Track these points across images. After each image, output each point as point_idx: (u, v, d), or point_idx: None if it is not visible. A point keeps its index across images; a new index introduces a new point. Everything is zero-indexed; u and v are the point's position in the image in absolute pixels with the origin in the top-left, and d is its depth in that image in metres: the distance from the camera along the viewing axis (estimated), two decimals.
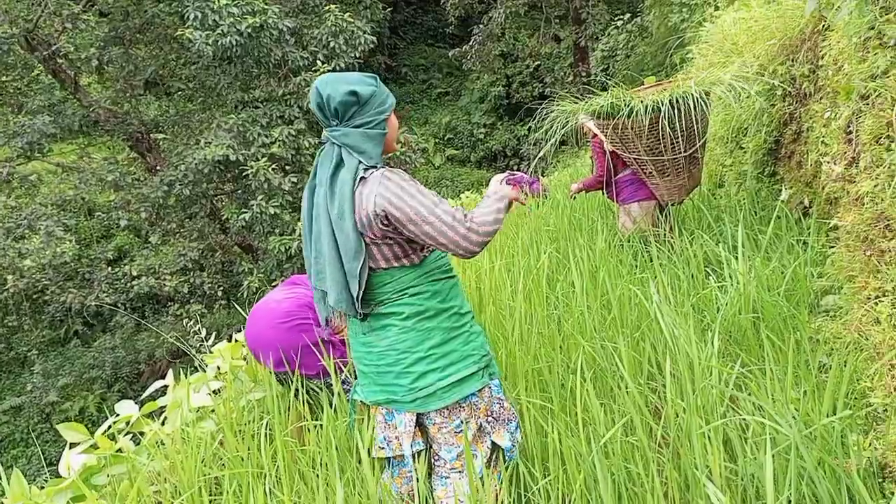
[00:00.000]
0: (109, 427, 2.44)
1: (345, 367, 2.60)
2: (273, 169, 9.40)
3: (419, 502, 1.80)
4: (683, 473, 1.78)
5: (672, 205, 3.98)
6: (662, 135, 3.60)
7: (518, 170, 8.06)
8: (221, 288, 11.34)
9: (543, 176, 10.49)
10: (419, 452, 1.96)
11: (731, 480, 1.75)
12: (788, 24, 3.78)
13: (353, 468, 2.01)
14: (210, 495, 2.19)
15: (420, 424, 1.97)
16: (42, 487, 2.22)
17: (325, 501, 1.82)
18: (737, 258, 2.88)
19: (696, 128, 3.62)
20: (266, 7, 9.41)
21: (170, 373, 2.89)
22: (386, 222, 1.72)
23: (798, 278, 2.77)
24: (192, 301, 11.32)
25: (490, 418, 1.95)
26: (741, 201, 4.10)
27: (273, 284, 9.14)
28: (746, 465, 1.68)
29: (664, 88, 3.59)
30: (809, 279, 2.78)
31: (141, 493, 1.96)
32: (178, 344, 4.03)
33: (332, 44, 10.31)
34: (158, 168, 11.07)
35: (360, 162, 1.76)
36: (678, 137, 3.62)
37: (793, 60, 3.70)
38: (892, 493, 1.53)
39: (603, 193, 4.68)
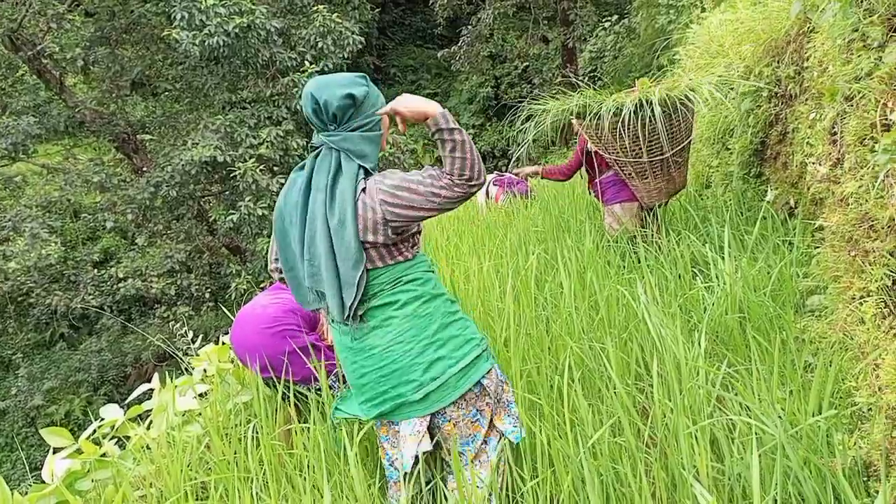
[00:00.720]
0: (94, 431, 2.42)
1: (331, 372, 2.58)
2: (261, 170, 9.35)
3: None
4: (671, 473, 1.78)
5: (658, 206, 4.00)
6: (640, 137, 3.57)
7: (506, 171, 8.05)
8: (209, 290, 11.27)
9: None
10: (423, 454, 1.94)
11: (717, 480, 1.75)
12: (774, 25, 3.81)
13: (341, 471, 1.99)
14: (196, 500, 2.17)
15: (429, 429, 1.92)
16: (26, 493, 2.19)
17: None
18: (723, 259, 2.89)
19: (675, 131, 3.63)
20: (253, 7, 9.36)
21: (155, 376, 2.87)
22: (394, 221, 1.72)
23: (784, 278, 2.79)
24: (179, 303, 11.23)
25: (495, 402, 1.93)
26: (727, 202, 4.13)
27: (261, 286, 9.11)
28: (733, 465, 1.69)
29: (650, 90, 3.60)
30: (795, 279, 2.80)
31: (126, 498, 1.94)
32: (163, 346, 4.00)
33: (320, 44, 10.27)
34: (145, 169, 10.98)
35: (361, 167, 1.75)
36: (656, 140, 3.60)
37: (778, 62, 3.72)
38: (877, 492, 1.54)
39: (589, 193, 4.70)
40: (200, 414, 2.67)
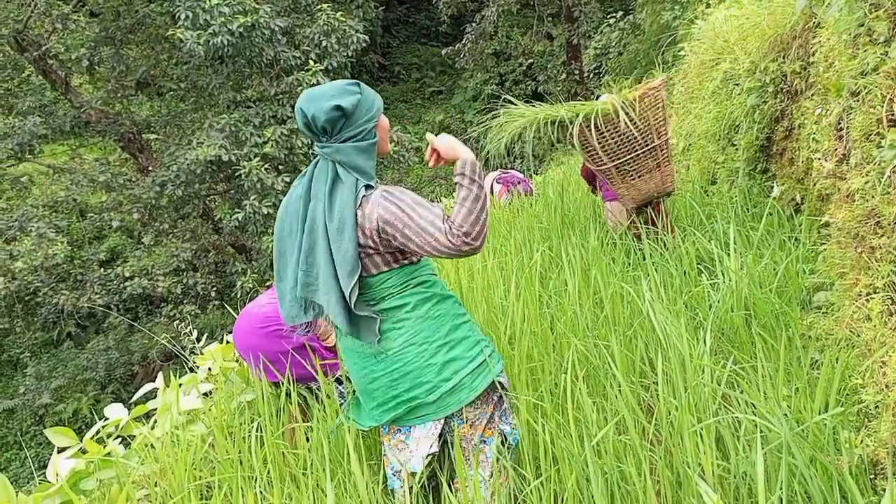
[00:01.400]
0: (98, 431, 2.42)
1: (331, 370, 2.58)
2: (266, 169, 9.36)
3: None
4: (676, 472, 1.77)
5: (650, 206, 3.97)
6: (596, 146, 3.73)
7: (511, 168, 7.99)
8: (215, 288, 11.29)
9: (537, 174, 10.48)
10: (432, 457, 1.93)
11: (723, 478, 1.74)
12: (779, 21, 3.78)
13: (345, 471, 1.99)
14: (200, 499, 2.17)
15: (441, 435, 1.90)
16: (31, 492, 2.20)
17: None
18: (729, 255, 2.88)
19: (628, 139, 3.68)
20: (257, 6, 9.37)
21: (160, 375, 2.87)
22: (385, 236, 1.71)
23: (790, 275, 2.77)
24: (185, 302, 11.26)
25: (501, 403, 1.94)
26: (733, 198, 4.11)
27: (266, 285, 9.12)
28: (739, 464, 1.68)
29: (660, 83, 3.63)
30: (801, 276, 2.78)
31: (130, 497, 1.94)
32: (167, 345, 4.01)
33: (324, 43, 10.26)
34: (150, 169, 11.01)
35: (358, 180, 1.73)
36: (610, 147, 3.72)
37: (784, 57, 3.70)
38: (884, 490, 1.53)
39: (594, 192, 4.69)
40: (205, 413, 2.67)
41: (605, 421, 2.02)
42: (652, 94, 3.58)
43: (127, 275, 11.00)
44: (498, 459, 1.89)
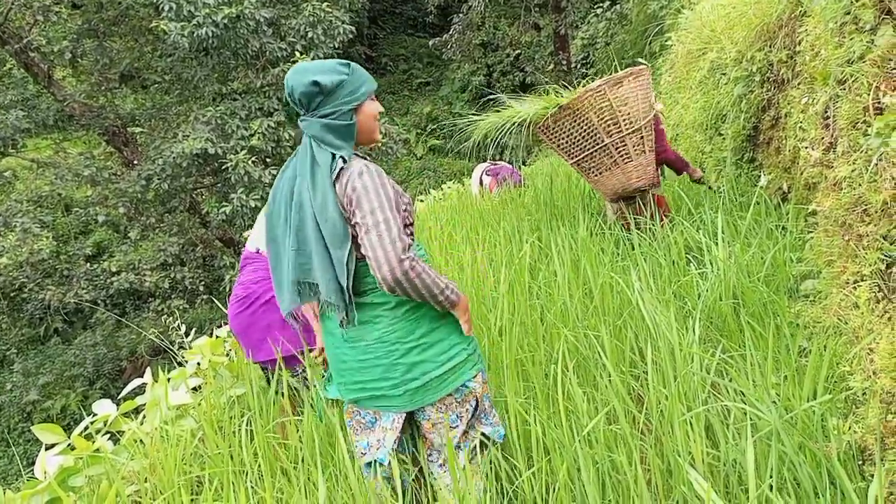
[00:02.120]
0: (87, 427, 2.40)
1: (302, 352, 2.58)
2: (253, 161, 9.30)
3: (403, 501, 1.78)
4: (666, 460, 1.78)
5: (631, 200, 4.01)
6: (556, 143, 3.97)
7: (500, 159, 7.92)
8: (203, 282, 11.23)
9: (524, 165, 10.49)
10: (403, 450, 1.95)
11: (713, 466, 1.75)
12: (766, 10, 3.79)
13: (336, 464, 1.99)
14: (191, 494, 2.16)
15: (410, 422, 1.94)
16: (19, 490, 2.18)
17: (307, 498, 1.80)
18: (717, 244, 2.89)
19: (575, 139, 3.87)
20: None
21: (148, 371, 2.85)
22: (350, 208, 1.69)
23: (777, 264, 2.78)
24: (173, 296, 11.20)
25: (478, 407, 1.92)
26: (720, 187, 4.12)
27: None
28: (729, 451, 1.69)
29: (605, 82, 3.73)
30: (789, 264, 2.79)
31: (119, 493, 1.93)
32: (155, 340, 3.98)
33: (310, 34, 10.18)
34: (136, 162, 10.91)
35: (334, 155, 1.72)
36: (564, 146, 3.94)
37: (770, 46, 3.71)
38: (872, 476, 1.55)
39: None
40: (194, 408, 2.66)
41: (596, 411, 2.02)
42: (589, 96, 3.69)
43: (114, 270, 10.91)
44: (471, 460, 1.89)
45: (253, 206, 9.17)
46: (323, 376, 2.24)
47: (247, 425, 2.28)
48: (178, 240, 11.19)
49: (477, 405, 1.93)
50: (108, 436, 2.45)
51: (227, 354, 3.38)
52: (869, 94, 2.03)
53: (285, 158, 10.35)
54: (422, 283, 1.67)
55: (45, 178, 11.52)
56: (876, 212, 1.89)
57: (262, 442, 2.15)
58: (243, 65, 10.14)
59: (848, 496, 1.41)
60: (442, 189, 11.76)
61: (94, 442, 2.31)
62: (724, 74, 4.42)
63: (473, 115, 4.20)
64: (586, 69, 14.72)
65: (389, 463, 1.85)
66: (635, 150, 3.82)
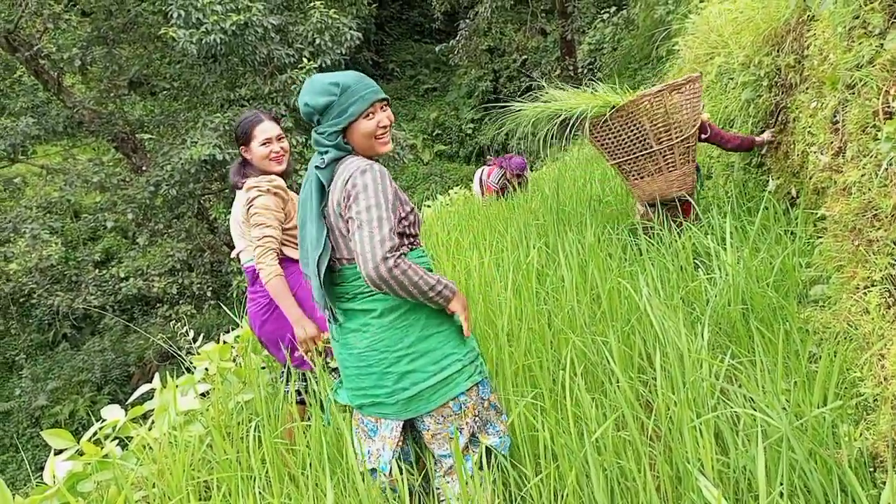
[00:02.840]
0: (95, 433, 2.41)
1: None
2: None
3: None
4: (675, 467, 1.77)
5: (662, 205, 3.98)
6: (602, 143, 3.88)
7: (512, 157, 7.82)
8: (210, 288, 11.27)
9: (531, 170, 10.46)
10: (404, 458, 1.95)
11: (722, 473, 1.74)
12: (773, 14, 3.78)
13: (344, 470, 1.99)
14: (199, 500, 2.16)
15: (412, 429, 1.95)
16: (28, 495, 2.19)
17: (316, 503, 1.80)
18: (725, 250, 2.88)
19: (623, 142, 3.80)
20: (250, 4, 9.32)
21: (157, 376, 2.86)
22: (345, 206, 1.72)
23: (786, 269, 2.77)
24: (181, 302, 11.24)
25: (478, 419, 1.91)
26: (728, 192, 4.11)
27: None
28: (738, 458, 1.68)
29: (666, 87, 3.64)
30: (797, 269, 2.78)
31: (128, 499, 1.93)
32: (163, 345, 3.99)
33: (317, 41, 10.23)
34: (144, 168, 10.96)
35: (322, 158, 1.79)
36: (610, 147, 3.86)
37: (778, 51, 3.70)
38: (884, 483, 1.53)
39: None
40: (202, 413, 2.66)
41: (604, 417, 2.01)
42: (646, 101, 3.62)
43: (122, 275, 10.97)
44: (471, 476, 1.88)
45: None
46: (333, 378, 2.25)
47: (255, 431, 2.28)
48: (186, 245, 11.23)
49: (482, 419, 1.92)
50: (117, 441, 2.45)
51: (235, 360, 3.39)
52: (878, 99, 2.02)
53: (292, 164, 10.39)
54: (408, 279, 1.67)
55: (54, 185, 11.61)
56: (886, 217, 1.88)
57: (270, 447, 2.15)
58: (251, 71, 10.19)
59: (860, 503, 1.40)
60: (448, 194, 11.77)
61: (102, 447, 2.32)
62: (731, 79, 4.41)
63: (518, 101, 4.02)
64: (593, 74, 14.72)
65: (391, 471, 1.84)
66: (681, 159, 3.78)
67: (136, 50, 11.58)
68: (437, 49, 18.38)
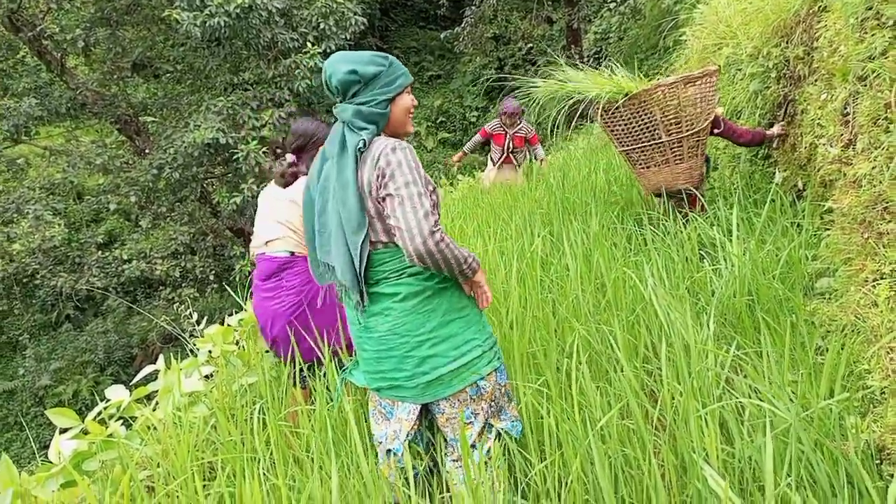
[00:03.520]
0: (100, 412, 2.42)
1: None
2: (263, 152, 9.30)
3: (415, 491, 1.78)
4: (680, 456, 1.77)
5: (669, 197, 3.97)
6: (611, 129, 3.88)
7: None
8: (213, 272, 11.28)
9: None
10: (418, 441, 1.96)
11: (727, 463, 1.74)
12: (782, 5, 3.75)
13: (348, 452, 1.99)
14: (203, 480, 2.17)
15: (427, 412, 1.96)
16: (33, 473, 2.20)
17: (320, 486, 1.80)
18: (731, 241, 2.87)
19: (632, 130, 3.80)
20: None
21: (161, 357, 2.87)
22: (379, 182, 1.71)
23: (792, 261, 2.76)
24: (183, 285, 11.25)
25: (493, 405, 1.92)
26: (734, 184, 4.09)
27: None
28: (744, 448, 1.68)
29: (681, 79, 3.61)
30: (804, 262, 2.77)
31: (133, 478, 1.94)
32: (167, 327, 4.00)
33: (322, 25, 10.16)
34: (147, 151, 10.94)
35: (363, 138, 1.75)
36: (619, 134, 3.85)
37: (787, 42, 3.67)
38: (891, 476, 1.54)
39: None
40: (206, 395, 2.67)
41: (609, 405, 2.02)
42: (660, 91, 3.59)
43: (125, 258, 10.98)
44: (486, 461, 1.88)
45: None
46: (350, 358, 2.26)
47: (259, 413, 2.28)
48: (189, 229, 11.23)
49: (497, 405, 1.93)
50: (122, 421, 2.47)
51: (238, 343, 3.40)
52: (891, 91, 2.01)
53: None
54: (450, 252, 1.69)
55: (57, 166, 11.58)
56: None
57: (275, 430, 2.16)
58: (255, 55, 10.13)
59: (867, 495, 1.40)
60: (457, 180, 11.75)
61: (107, 427, 2.33)
62: (739, 70, 4.38)
63: (531, 82, 3.99)
64: (598, 63, 14.64)
65: (403, 454, 1.86)
66: (689, 152, 3.77)
67: (139, 32, 11.50)
68: (441, 36, 18.25)
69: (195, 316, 3.72)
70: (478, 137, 7.11)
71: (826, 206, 2.76)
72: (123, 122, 11.44)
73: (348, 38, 10.46)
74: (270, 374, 2.65)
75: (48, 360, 11.75)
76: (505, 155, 6.75)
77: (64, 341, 12.52)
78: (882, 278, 1.89)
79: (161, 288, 11.85)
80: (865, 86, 2.23)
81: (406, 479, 1.84)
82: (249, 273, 9.69)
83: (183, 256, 11.28)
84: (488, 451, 1.90)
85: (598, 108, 3.78)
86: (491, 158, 7.03)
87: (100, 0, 10.66)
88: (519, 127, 6.60)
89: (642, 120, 3.72)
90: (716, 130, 3.85)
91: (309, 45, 9.75)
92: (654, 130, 3.73)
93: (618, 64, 3.98)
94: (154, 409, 2.53)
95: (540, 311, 2.75)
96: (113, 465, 2.23)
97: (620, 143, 3.91)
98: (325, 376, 2.61)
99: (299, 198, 2.65)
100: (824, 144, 2.71)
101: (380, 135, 1.80)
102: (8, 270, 9.81)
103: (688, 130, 3.69)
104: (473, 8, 16.55)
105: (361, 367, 1.96)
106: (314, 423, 2.16)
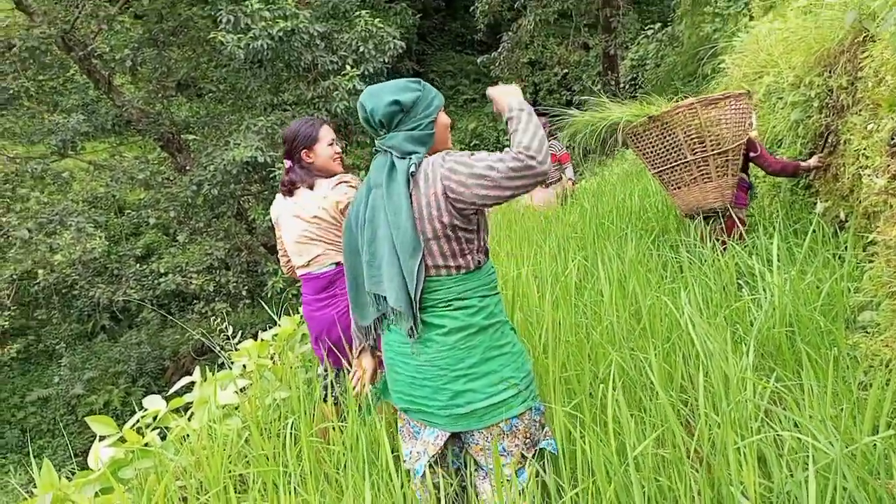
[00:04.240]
0: (137, 421, 2.46)
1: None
2: None
3: None
4: (717, 490, 1.74)
5: (705, 218, 3.96)
6: (641, 152, 4.04)
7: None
8: (246, 287, 11.44)
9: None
10: (448, 463, 1.94)
11: (764, 498, 1.70)
12: (826, 35, 3.72)
13: (380, 471, 2.00)
14: (235, 492, 2.19)
15: (456, 438, 1.92)
16: (69, 478, 2.24)
17: (354, 502, 1.81)
18: (772, 271, 2.82)
19: (659, 151, 3.92)
20: (297, 12, 9.51)
21: (197, 369, 2.91)
22: (452, 195, 1.70)
23: (834, 293, 2.70)
24: (217, 299, 11.44)
25: (528, 440, 1.88)
26: (774, 213, 4.03)
27: (297, 285, 9.18)
28: (783, 483, 1.64)
29: (700, 101, 3.70)
30: (846, 294, 2.71)
31: (168, 488, 1.97)
32: (204, 340, 4.06)
33: (361, 48, 10.37)
34: (188, 168, 11.21)
35: (410, 160, 1.76)
36: (648, 157, 4.00)
37: (830, 72, 3.63)
38: None
39: None
40: (237, 408, 2.70)
41: (643, 433, 1.99)
42: (680, 112, 3.71)
43: (161, 271, 11.22)
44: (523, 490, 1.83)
45: None
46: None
47: (291, 428, 2.30)
48: (225, 245, 11.44)
49: (532, 440, 1.89)
50: (157, 431, 2.51)
51: (272, 358, 3.44)
52: None
53: None
54: (538, 139, 1.68)
55: (100, 180, 11.94)
56: None
57: (307, 446, 2.17)
58: (295, 76, 10.37)
59: None
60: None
61: (143, 436, 2.37)
62: (780, 98, 4.34)
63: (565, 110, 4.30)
64: (634, 90, 14.61)
65: (424, 475, 1.84)
66: (717, 171, 3.80)
67: (184, 53, 11.88)
68: (478, 60, 18.43)
69: (230, 330, 3.78)
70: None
71: (870, 238, 2.71)
72: (166, 140, 11.77)
73: (386, 61, 10.64)
74: (303, 389, 2.67)
75: (82, 370, 12.00)
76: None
77: (98, 351, 12.78)
78: None
79: (195, 302, 12.06)
80: None
81: (437, 498, 1.83)
82: (282, 290, 9.82)
83: (217, 271, 11.48)
84: (524, 478, 1.85)
85: (627, 133, 3.94)
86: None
87: (148, 22, 11.05)
88: (549, 144, 6.58)
89: (668, 141, 3.82)
90: (752, 154, 3.87)
91: (348, 67, 9.94)
92: (680, 150, 3.82)
93: (654, 90, 4.09)
94: (189, 420, 2.56)
95: (573, 336, 2.73)
96: (148, 474, 2.26)
97: (652, 165, 4.01)
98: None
99: (318, 210, 2.67)
100: (869, 175, 2.66)
101: (427, 156, 1.82)
102: (49, 280, 10.08)
103: (713, 150, 3.75)
104: (510, 33, 16.70)
105: (392, 386, 1.95)
106: (346, 439, 2.17)
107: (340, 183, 2.66)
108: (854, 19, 3.11)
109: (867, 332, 2.45)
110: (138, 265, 11.87)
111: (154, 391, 11.18)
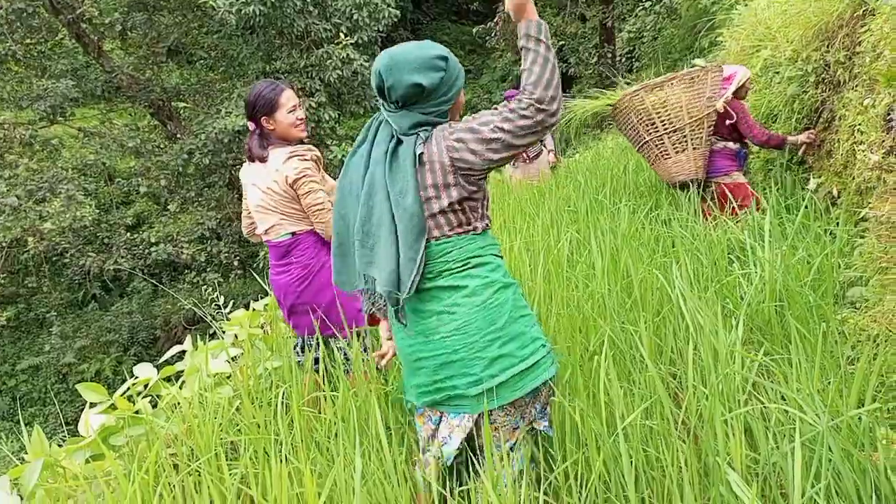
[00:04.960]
0: (128, 389, 2.46)
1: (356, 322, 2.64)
2: None
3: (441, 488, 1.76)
4: (703, 461, 1.76)
5: (685, 188, 4.19)
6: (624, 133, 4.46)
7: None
8: (238, 257, 11.41)
9: (563, 156, 10.38)
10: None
11: (751, 469, 1.73)
12: (825, 9, 3.68)
13: (370, 439, 2.01)
14: (227, 460, 2.20)
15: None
16: (61, 445, 2.25)
17: (343, 470, 1.82)
18: (763, 246, 2.83)
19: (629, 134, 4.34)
20: None
21: (188, 338, 2.91)
22: (458, 163, 1.60)
23: (824, 269, 2.72)
24: (208, 269, 11.41)
25: (542, 406, 1.82)
26: (766, 189, 4.04)
27: None
28: (769, 455, 1.66)
29: (641, 87, 4.13)
30: (836, 270, 2.73)
31: (158, 455, 1.98)
32: (195, 310, 4.06)
33: (355, 16, 10.21)
34: (179, 136, 11.09)
35: (418, 135, 1.64)
36: (628, 136, 4.42)
37: (828, 47, 3.60)
38: None
39: None
40: (229, 377, 2.71)
41: (632, 405, 2.00)
42: (626, 100, 4.12)
43: (152, 240, 11.15)
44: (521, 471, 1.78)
45: None
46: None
47: (283, 398, 2.31)
48: (216, 214, 11.37)
49: (545, 404, 1.84)
50: (148, 399, 2.51)
51: (263, 327, 3.44)
52: None
53: (324, 139, 10.44)
54: (553, 87, 1.57)
55: (90, 148, 11.78)
56: None
57: (298, 414, 2.18)
58: (288, 44, 10.21)
59: None
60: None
61: (134, 404, 2.37)
62: (777, 73, 4.31)
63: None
64: (631, 63, 14.49)
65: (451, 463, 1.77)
66: (674, 147, 4.09)
67: (175, 18, 11.64)
68: (473, 31, 18.18)
69: (222, 299, 3.77)
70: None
71: (862, 213, 2.71)
72: (156, 107, 11.61)
73: (381, 29, 10.50)
74: (294, 358, 2.67)
75: (73, 338, 11.98)
76: None
77: (89, 320, 12.76)
78: None
79: (186, 272, 12.02)
80: None
81: (450, 489, 1.80)
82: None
83: (209, 241, 11.42)
84: (522, 454, 1.79)
85: (609, 116, 4.46)
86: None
87: None
88: None
89: (629, 124, 4.25)
90: (728, 122, 3.99)
91: (342, 35, 9.80)
92: (638, 132, 4.22)
93: (651, 63, 4.25)
94: (181, 388, 2.57)
95: (564, 309, 2.73)
96: (139, 441, 2.27)
97: (632, 143, 4.45)
98: (347, 359, 2.63)
99: (270, 182, 2.63)
100: (864, 151, 2.65)
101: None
102: (38, 248, 9.99)
103: (665, 129, 4.07)
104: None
105: (411, 381, 1.81)
106: (337, 409, 2.18)
107: (292, 157, 2.58)
108: None
109: (856, 308, 2.47)
110: (129, 234, 11.79)
111: (146, 360, 11.19)
